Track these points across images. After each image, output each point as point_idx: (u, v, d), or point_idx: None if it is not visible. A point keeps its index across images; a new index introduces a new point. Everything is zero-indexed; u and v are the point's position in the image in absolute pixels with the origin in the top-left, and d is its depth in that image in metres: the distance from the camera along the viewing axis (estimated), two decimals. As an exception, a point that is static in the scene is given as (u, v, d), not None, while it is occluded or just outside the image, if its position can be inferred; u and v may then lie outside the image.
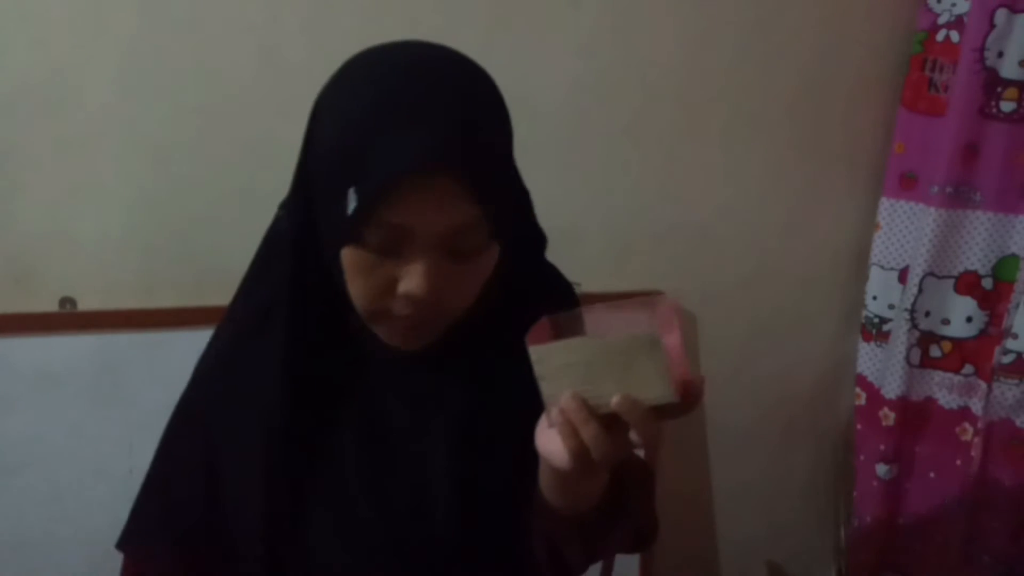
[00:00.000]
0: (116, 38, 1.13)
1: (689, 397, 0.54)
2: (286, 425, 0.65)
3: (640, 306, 0.60)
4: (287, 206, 0.67)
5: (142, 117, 1.17)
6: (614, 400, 0.53)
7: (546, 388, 0.55)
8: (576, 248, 1.37)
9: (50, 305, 1.19)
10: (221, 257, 1.22)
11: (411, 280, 0.56)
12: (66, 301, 1.20)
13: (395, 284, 0.57)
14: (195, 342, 0.73)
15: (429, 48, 0.59)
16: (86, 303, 1.20)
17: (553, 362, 0.54)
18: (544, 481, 0.62)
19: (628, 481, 0.67)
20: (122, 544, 0.71)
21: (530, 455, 0.60)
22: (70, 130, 1.15)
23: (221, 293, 0.74)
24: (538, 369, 0.55)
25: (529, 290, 0.70)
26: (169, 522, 0.69)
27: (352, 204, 0.53)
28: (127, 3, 1.13)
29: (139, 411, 1.15)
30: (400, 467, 0.66)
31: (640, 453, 0.65)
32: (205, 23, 1.16)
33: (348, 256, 0.57)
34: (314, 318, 0.65)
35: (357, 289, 0.58)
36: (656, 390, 0.53)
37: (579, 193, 1.35)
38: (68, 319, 1.18)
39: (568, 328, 0.58)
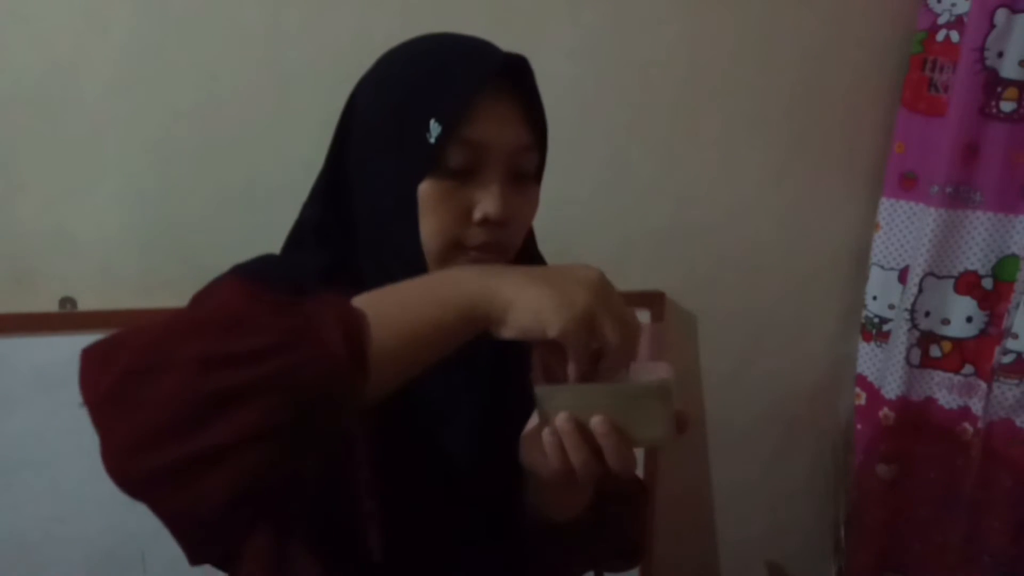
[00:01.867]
0: (116, 38, 1.13)
1: (683, 432, 0.55)
2: None
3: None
4: (315, 196, 0.69)
5: (142, 117, 1.17)
6: (593, 420, 0.53)
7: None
8: (575, 248, 1.37)
9: (50, 305, 1.19)
10: (221, 257, 1.21)
11: (487, 201, 0.60)
12: (66, 301, 1.20)
13: (470, 213, 0.61)
14: (195, 342, 0.73)
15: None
16: (86, 303, 1.21)
17: (558, 403, 0.55)
18: (528, 487, 0.63)
19: (614, 496, 0.67)
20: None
21: None
22: (70, 130, 1.15)
23: (221, 293, 0.74)
24: (542, 408, 0.55)
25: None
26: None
27: (435, 131, 0.59)
28: (127, 3, 1.13)
29: (139, 411, 1.15)
30: (419, 429, 0.66)
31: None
32: (205, 23, 1.16)
33: (426, 188, 0.60)
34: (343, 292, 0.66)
35: (434, 222, 0.61)
36: (658, 431, 0.54)
37: (579, 193, 1.35)
38: (68, 319, 1.18)
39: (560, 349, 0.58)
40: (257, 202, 1.21)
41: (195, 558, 0.48)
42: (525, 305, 0.51)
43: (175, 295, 1.22)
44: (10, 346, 1.15)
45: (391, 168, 0.62)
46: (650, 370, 0.58)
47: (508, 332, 0.52)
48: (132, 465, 0.45)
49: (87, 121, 1.15)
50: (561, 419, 0.54)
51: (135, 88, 1.15)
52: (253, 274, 0.67)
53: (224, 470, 0.43)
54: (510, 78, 0.62)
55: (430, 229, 0.61)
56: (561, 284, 0.52)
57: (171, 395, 0.44)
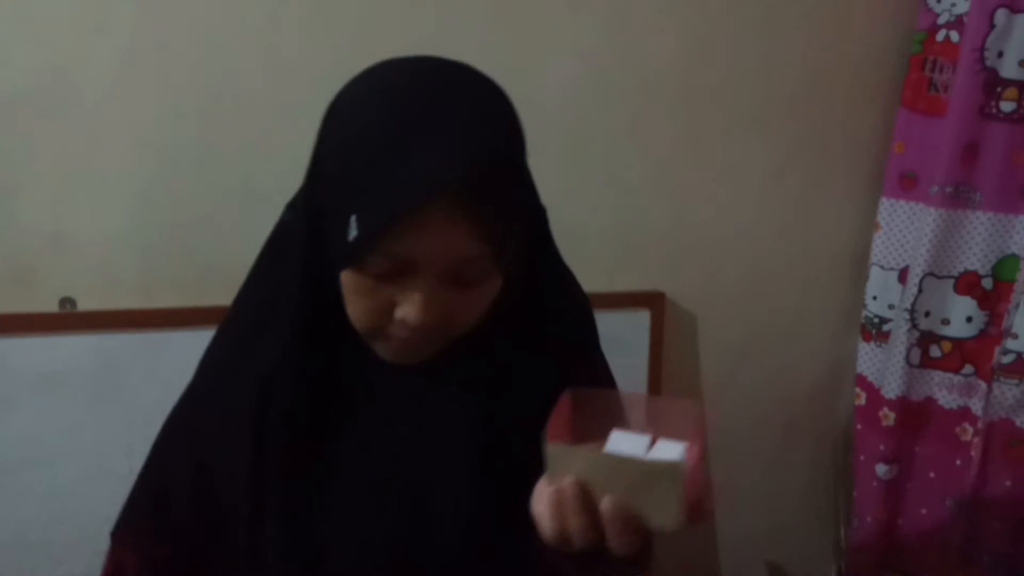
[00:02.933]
0: (116, 38, 1.13)
1: (696, 522, 0.52)
2: (282, 425, 0.64)
3: (669, 407, 0.58)
4: (296, 206, 0.65)
5: (142, 117, 1.17)
6: (603, 502, 0.51)
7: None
8: (576, 248, 1.36)
9: (50, 305, 1.19)
10: (221, 257, 1.22)
11: (408, 308, 0.56)
12: (66, 301, 1.20)
13: (392, 307, 0.57)
14: (195, 342, 0.73)
15: (448, 68, 0.56)
16: (86, 303, 1.20)
17: (569, 466, 0.53)
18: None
19: None
20: (113, 532, 0.73)
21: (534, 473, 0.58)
22: (70, 130, 1.15)
23: (221, 293, 0.74)
24: (552, 467, 0.53)
25: (542, 310, 0.70)
26: (156, 517, 0.70)
27: (353, 232, 0.52)
28: (127, 3, 1.13)
29: (139, 411, 1.14)
30: (403, 473, 0.66)
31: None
32: (205, 23, 1.16)
33: (347, 278, 0.57)
34: (319, 319, 0.64)
35: (354, 310, 0.59)
36: (665, 518, 0.51)
37: (579, 193, 1.35)
38: (68, 319, 1.18)
39: (587, 406, 0.57)
40: (257, 202, 1.20)
41: None
42: None
43: (175, 295, 1.22)
44: (10, 346, 1.15)
45: (327, 232, 0.57)
46: (671, 449, 0.54)
47: None
48: None
49: (87, 121, 1.15)
50: (568, 483, 0.52)
51: (135, 88, 1.15)
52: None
53: None
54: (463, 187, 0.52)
55: (352, 314, 0.59)
56: None
57: None
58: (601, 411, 0.58)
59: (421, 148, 0.51)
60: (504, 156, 0.56)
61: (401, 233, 0.52)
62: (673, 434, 0.55)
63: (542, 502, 0.55)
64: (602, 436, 0.57)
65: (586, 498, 0.51)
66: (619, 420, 0.58)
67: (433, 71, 0.56)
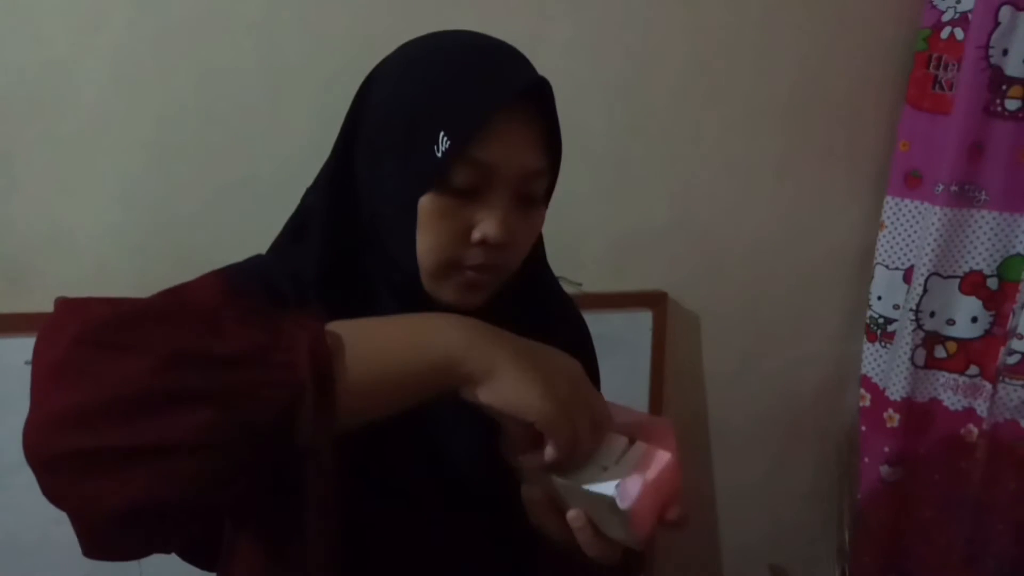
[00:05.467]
0: (113, 37, 1.13)
1: (671, 528, 0.56)
2: None
3: (638, 425, 0.60)
4: (320, 185, 0.67)
5: (139, 116, 1.16)
6: (569, 514, 0.55)
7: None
8: (576, 248, 1.36)
9: (47, 305, 1.18)
10: (218, 257, 1.21)
11: (488, 223, 0.58)
12: (63, 301, 1.19)
13: (469, 233, 0.59)
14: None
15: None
16: (83, 303, 1.20)
17: (533, 479, 0.58)
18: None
19: None
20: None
21: None
22: (67, 129, 1.14)
23: (216, 292, 0.73)
24: (522, 476, 0.59)
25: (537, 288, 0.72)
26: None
27: (444, 145, 0.56)
28: (124, 2, 1.12)
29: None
30: (424, 433, 0.65)
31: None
32: (203, 22, 1.15)
33: (427, 203, 0.58)
34: (343, 288, 0.64)
35: (432, 238, 0.59)
36: (623, 536, 0.55)
37: (579, 193, 1.34)
38: (65, 319, 1.17)
39: None
40: (253, 200, 1.20)
41: (90, 552, 0.47)
42: (510, 380, 0.51)
43: (173, 295, 1.22)
44: (5, 346, 1.14)
45: (395, 174, 0.60)
46: (638, 459, 0.56)
47: (483, 398, 0.51)
48: (56, 440, 0.42)
49: (83, 119, 1.14)
50: (532, 491, 0.58)
51: (131, 86, 1.15)
52: (242, 275, 0.65)
53: (148, 471, 0.42)
54: (531, 100, 0.59)
55: (427, 245, 0.59)
56: (546, 370, 0.53)
57: (128, 378, 0.42)
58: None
59: (490, 64, 0.59)
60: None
61: (486, 138, 0.57)
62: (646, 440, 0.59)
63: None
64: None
65: (556, 504, 0.56)
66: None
67: (458, 31, 0.64)
